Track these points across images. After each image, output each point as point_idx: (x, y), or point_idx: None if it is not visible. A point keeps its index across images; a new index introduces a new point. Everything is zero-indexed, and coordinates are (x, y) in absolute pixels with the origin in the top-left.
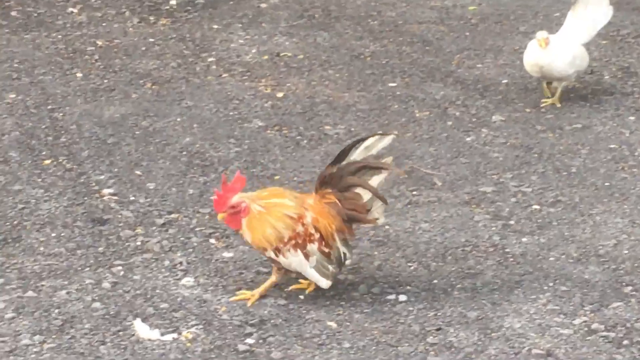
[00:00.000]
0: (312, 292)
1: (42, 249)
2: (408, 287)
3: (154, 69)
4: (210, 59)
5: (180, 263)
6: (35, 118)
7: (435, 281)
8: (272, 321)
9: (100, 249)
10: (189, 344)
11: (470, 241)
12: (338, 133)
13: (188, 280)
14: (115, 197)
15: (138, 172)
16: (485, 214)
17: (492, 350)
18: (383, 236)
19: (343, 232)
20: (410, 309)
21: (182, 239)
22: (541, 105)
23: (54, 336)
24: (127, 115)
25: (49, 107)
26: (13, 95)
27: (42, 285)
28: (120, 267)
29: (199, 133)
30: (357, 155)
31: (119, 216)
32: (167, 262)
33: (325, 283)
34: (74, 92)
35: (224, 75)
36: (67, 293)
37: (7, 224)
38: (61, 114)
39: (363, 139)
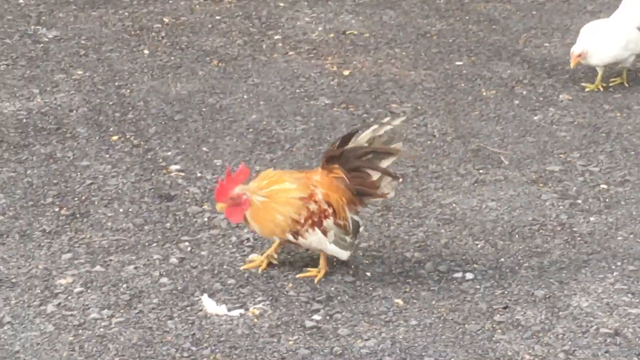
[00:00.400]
0: (375, 271)
1: (110, 224)
2: (475, 265)
3: (220, 46)
4: (276, 37)
5: (247, 239)
6: (103, 94)
7: (502, 259)
8: (339, 298)
9: (168, 224)
10: (256, 320)
11: (538, 220)
12: (405, 111)
13: (255, 257)
14: (182, 174)
15: (205, 149)
16: (553, 193)
17: (560, 328)
18: (450, 214)
19: (354, 203)
20: (477, 287)
21: None
22: (609, 85)
23: (122, 310)
24: (193, 92)
25: (117, 83)
26: (81, 72)
27: (110, 260)
28: (187, 243)
29: (266, 110)
30: (363, 137)
31: (186, 192)
32: (234, 239)
33: (345, 255)
34: (141, 69)
35: (290, 53)
36: (135, 268)
37: (76, 199)
38: (128, 91)
39: (369, 126)
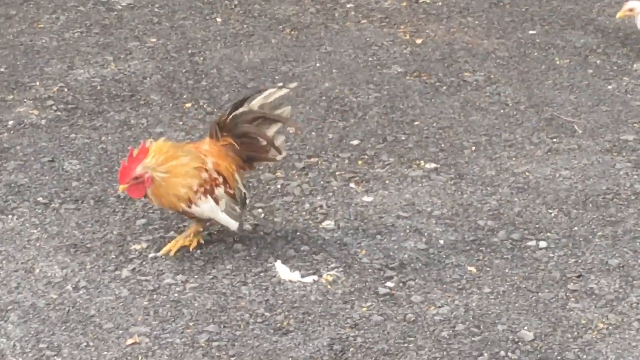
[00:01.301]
0: (447, 239)
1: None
2: (548, 234)
3: (292, 14)
4: (349, 5)
5: (321, 206)
6: (176, 62)
7: (575, 228)
8: (412, 265)
9: None
10: (329, 286)
11: (611, 189)
12: (477, 80)
13: (328, 224)
14: None
15: None
16: (627, 162)
17: (634, 297)
18: (523, 183)
19: (244, 169)
20: (551, 255)
21: (321, 182)
22: None
23: (196, 276)
24: (266, 60)
25: (190, 51)
26: (154, 40)
27: (184, 226)
28: (261, 210)
29: (338, 78)
30: (255, 103)
31: None
32: (307, 205)
33: (234, 225)
34: (213, 37)
35: (363, 21)
36: (209, 234)
37: None
38: (201, 58)
39: (261, 91)
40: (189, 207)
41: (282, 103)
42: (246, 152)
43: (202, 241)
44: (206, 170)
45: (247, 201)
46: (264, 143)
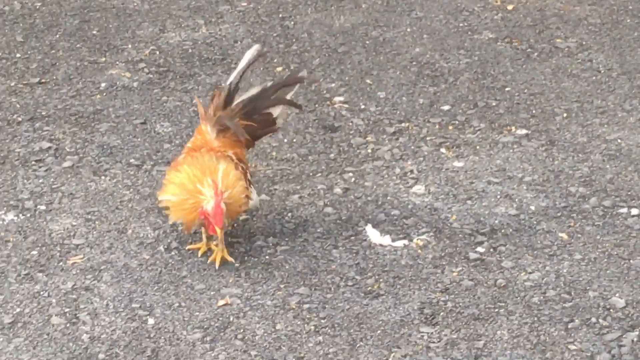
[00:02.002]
0: (539, 205)
1: (274, 154)
2: None
3: None
4: None
5: (411, 171)
6: (267, 26)
7: None
8: (502, 231)
9: (332, 155)
10: (419, 251)
11: None
12: (569, 46)
13: (419, 188)
14: (346, 105)
15: (368, 81)
16: None
17: None
18: (615, 150)
19: (248, 148)
20: None
21: (412, 147)
22: None
23: (287, 239)
24: (357, 25)
25: (280, 15)
26: (245, 4)
27: (275, 190)
28: (351, 174)
29: (429, 44)
30: (235, 76)
31: (350, 124)
32: (397, 170)
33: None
34: (304, 1)
35: None
36: (300, 197)
37: None
38: (292, 23)
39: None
40: (248, 205)
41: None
42: (259, 131)
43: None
44: (236, 164)
45: None
46: (276, 114)
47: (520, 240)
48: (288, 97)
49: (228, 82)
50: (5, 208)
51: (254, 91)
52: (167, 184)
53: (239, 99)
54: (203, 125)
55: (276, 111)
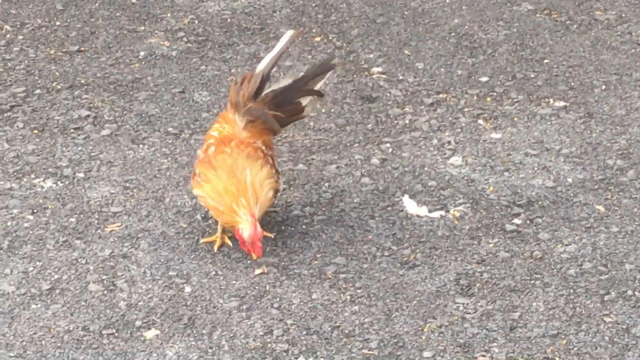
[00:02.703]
0: (576, 178)
1: (312, 124)
2: None
3: None
4: None
5: (449, 142)
6: None
7: None
8: (539, 203)
9: (369, 125)
10: (456, 222)
11: None
12: (608, 19)
13: (456, 160)
14: (384, 76)
15: (407, 52)
16: None
17: None
18: None
19: (275, 135)
20: None
21: (450, 118)
22: None
23: (323, 209)
24: None
25: None
26: None
27: (312, 159)
28: (388, 144)
29: (468, 15)
30: (267, 64)
31: (388, 94)
32: (435, 141)
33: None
34: None
35: None
36: (337, 167)
37: None
38: None
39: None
40: (276, 196)
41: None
42: (287, 119)
43: (230, 243)
44: (265, 155)
45: None
46: (305, 103)
47: (557, 212)
48: (317, 86)
49: (259, 69)
50: (44, 175)
51: (286, 82)
52: (202, 182)
53: (269, 89)
54: (231, 114)
55: (305, 100)
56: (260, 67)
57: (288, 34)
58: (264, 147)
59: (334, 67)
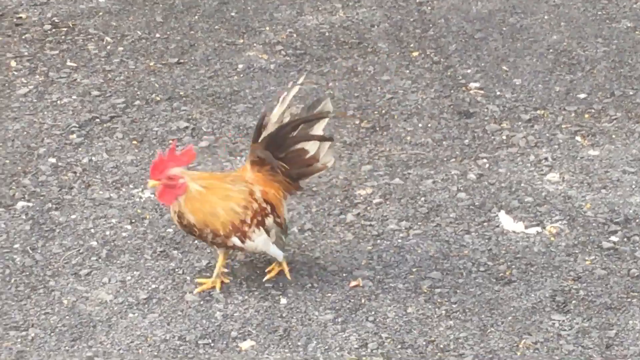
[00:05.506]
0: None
1: (409, 138)
2: None
3: None
4: None
5: (546, 159)
6: (404, 11)
7: None
8: (637, 220)
9: (466, 141)
10: (552, 238)
11: None
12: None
13: (553, 176)
14: (482, 91)
15: (505, 68)
16: None
17: None
18: None
19: (290, 191)
20: None
21: (547, 135)
22: None
23: (419, 223)
24: (494, 12)
25: (417, 0)
26: None
27: (409, 174)
28: (485, 160)
29: (566, 31)
30: (275, 114)
31: (485, 110)
32: (532, 157)
33: (281, 255)
34: None
35: None
36: (433, 182)
37: (376, 112)
38: (429, 8)
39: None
40: (243, 242)
41: (319, 103)
42: (296, 169)
43: (227, 280)
44: (256, 200)
45: (289, 228)
46: (313, 152)
47: None
48: (318, 132)
49: (263, 112)
50: (142, 186)
51: (271, 128)
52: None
53: (265, 134)
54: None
55: (312, 148)
56: (271, 111)
57: (294, 88)
58: (258, 194)
59: (326, 116)
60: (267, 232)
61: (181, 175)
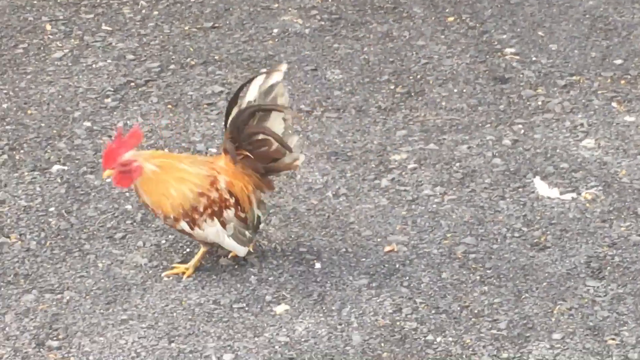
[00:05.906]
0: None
1: (444, 103)
2: None
3: None
4: None
5: (581, 124)
6: None
7: None
8: None
9: (502, 106)
10: (588, 205)
11: None
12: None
13: (588, 142)
14: (517, 57)
15: (540, 33)
16: None
17: None
18: None
19: (262, 189)
20: None
21: (583, 100)
22: None
23: (454, 188)
24: None
25: None
26: None
27: (444, 139)
28: (520, 126)
29: None
30: (248, 97)
31: (521, 75)
32: (567, 123)
33: (243, 251)
34: None
35: None
36: (468, 148)
37: (411, 77)
38: None
39: (247, 83)
40: (192, 228)
41: (278, 90)
42: (262, 162)
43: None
44: (217, 190)
45: (261, 225)
46: (275, 146)
47: None
48: (274, 126)
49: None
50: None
51: (233, 112)
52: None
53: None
54: None
55: (274, 141)
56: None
57: (274, 74)
58: (223, 184)
59: (280, 110)
60: (224, 224)
61: (134, 158)
